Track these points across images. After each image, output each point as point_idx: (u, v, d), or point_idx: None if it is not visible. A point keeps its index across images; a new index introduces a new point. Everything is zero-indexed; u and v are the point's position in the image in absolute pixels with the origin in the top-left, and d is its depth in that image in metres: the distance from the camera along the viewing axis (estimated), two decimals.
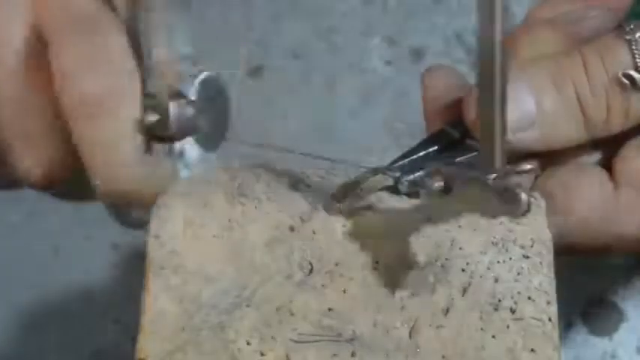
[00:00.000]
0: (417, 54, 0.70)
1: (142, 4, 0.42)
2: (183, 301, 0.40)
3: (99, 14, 0.42)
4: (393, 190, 0.42)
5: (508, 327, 0.40)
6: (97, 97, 0.40)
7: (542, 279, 0.40)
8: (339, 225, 0.41)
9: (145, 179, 0.42)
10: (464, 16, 0.71)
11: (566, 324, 0.62)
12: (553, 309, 0.40)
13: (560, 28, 0.44)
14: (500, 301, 0.40)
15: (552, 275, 0.41)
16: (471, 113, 0.42)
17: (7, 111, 0.42)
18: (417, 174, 0.42)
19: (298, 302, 0.40)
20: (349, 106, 0.69)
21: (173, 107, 0.41)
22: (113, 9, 0.43)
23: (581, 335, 0.63)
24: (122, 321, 0.65)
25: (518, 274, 0.40)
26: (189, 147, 0.43)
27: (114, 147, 0.41)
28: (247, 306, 0.39)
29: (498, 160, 0.36)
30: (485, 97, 0.35)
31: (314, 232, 0.40)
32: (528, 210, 0.36)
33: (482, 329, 0.40)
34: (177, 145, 0.43)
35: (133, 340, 0.39)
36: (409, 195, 0.42)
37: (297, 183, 0.42)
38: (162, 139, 0.42)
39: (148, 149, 0.42)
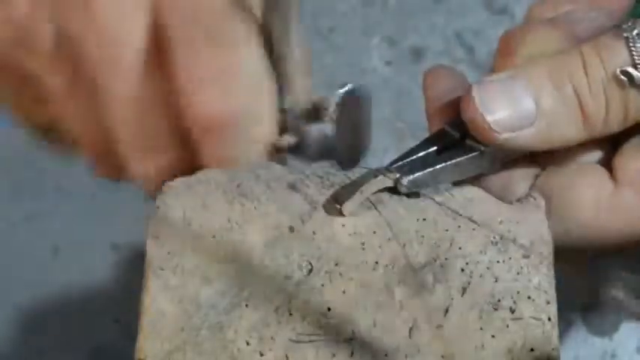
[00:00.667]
0: (417, 54, 0.70)
1: (278, 8, 0.38)
2: (182, 302, 0.40)
3: (232, 19, 0.40)
4: (393, 190, 0.42)
5: (507, 326, 0.40)
6: (226, 118, 0.39)
7: (542, 278, 0.40)
8: (338, 225, 0.41)
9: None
10: (464, 16, 0.71)
11: (566, 324, 0.62)
12: (552, 308, 0.40)
13: (559, 28, 0.44)
14: (499, 300, 0.40)
15: (552, 275, 0.41)
16: (468, 112, 0.42)
17: (125, 112, 0.41)
18: (417, 174, 0.42)
19: (297, 302, 0.40)
20: None
21: (314, 131, 0.39)
22: (247, 10, 0.41)
23: (581, 335, 0.63)
24: (122, 321, 0.65)
25: (518, 273, 0.40)
26: None
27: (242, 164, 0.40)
28: (246, 306, 0.39)
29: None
30: None
31: (313, 233, 0.40)
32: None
33: (481, 329, 0.40)
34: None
35: (133, 339, 0.40)
36: (409, 195, 0.42)
37: (296, 183, 0.42)
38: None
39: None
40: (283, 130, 0.40)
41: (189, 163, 0.42)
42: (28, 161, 0.69)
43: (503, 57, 0.45)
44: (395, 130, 0.68)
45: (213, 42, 0.39)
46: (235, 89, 0.39)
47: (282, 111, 0.40)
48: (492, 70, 0.46)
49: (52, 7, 0.41)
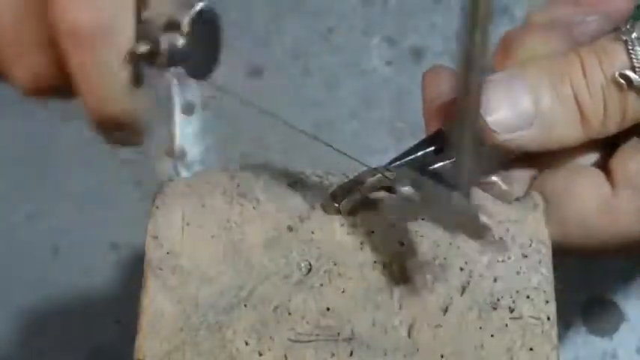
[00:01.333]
0: (417, 54, 0.70)
1: None
2: (181, 302, 0.40)
3: None
4: (391, 190, 0.42)
5: (507, 326, 0.40)
6: (90, 26, 0.40)
7: (541, 278, 0.40)
8: (337, 225, 0.41)
9: (133, 106, 0.42)
10: None
11: (566, 324, 0.62)
12: (552, 308, 0.40)
13: (558, 31, 0.44)
14: (498, 300, 0.40)
15: (551, 274, 0.41)
16: None
17: (3, 17, 0.42)
18: (415, 175, 0.42)
19: (296, 302, 0.40)
20: (349, 106, 0.69)
21: (165, 38, 0.41)
22: None
23: (581, 335, 0.62)
24: (122, 321, 0.65)
25: (517, 273, 0.40)
26: (189, 146, 0.43)
27: (105, 75, 0.41)
28: (245, 306, 0.40)
29: (463, 177, 0.35)
30: (460, 109, 0.35)
31: (312, 232, 0.40)
32: (489, 233, 0.36)
33: (480, 328, 0.40)
34: (177, 146, 0.43)
35: (133, 339, 0.40)
36: (407, 195, 0.42)
37: (295, 183, 0.42)
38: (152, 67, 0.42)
39: (139, 77, 0.43)
40: (139, 39, 0.42)
41: (59, 68, 0.42)
42: (28, 161, 0.69)
43: (502, 58, 0.45)
44: (395, 130, 0.68)
45: None
46: (100, 1, 0.40)
47: (140, 22, 0.42)
48: (491, 70, 0.46)
49: None
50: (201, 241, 0.40)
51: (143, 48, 0.42)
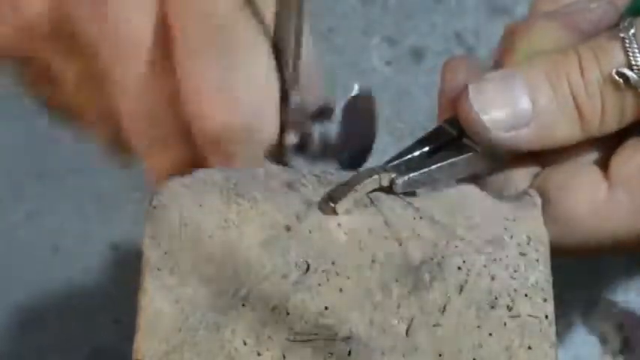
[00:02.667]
0: (417, 54, 0.70)
1: (289, 10, 0.37)
2: (179, 302, 0.40)
3: (240, 24, 0.39)
4: (389, 190, 0.41)
5: (505, 324, 0.40)
6: (229, 130, 0.39)
7: (539, 276, 0.40)
8: (335, 224, 0.41)
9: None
10: (464, 16, 0.71)
11: (566, 324, 0.62)
12: (550, 306, 0.40)
13: (559, 20, 0.44)
14: (496, 298, 0.40)
15: (549, 272, 0.41)
16: (464, 111, 0.42)
17: (132, 106, 0.41)
18: (412, 174, 0.41)
19: (294, 301, 0.40)
20: None
21: (317, 129, 0.39)
22: (257, 12, 0.40)
23: (580, 335, 0.62)
24: (122, 320, 0.65)
25: (515, 271, 0.40)
26: None
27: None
28: (243, 306, 0.39)
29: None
30: None
31: (310, 232, 0.40)
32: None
33: (478, 327, 0.40)
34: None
35: (132, 339, 0.40)
36: (405, 194, 0.42)
37: (293, 182, 0.42)
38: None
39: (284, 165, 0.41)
40: (287, 128, 0.40)
41: (196, 163, 0.42)
42: (29, 161, 0.69)
43: (503, 52, 0.45)
44: (395, 130, 0.68)
45: (218, 49, 0.39)
46: (240, 101, 0.39)
47: (288, 111, 0.39)
48: (493, 66, 0.46)
49: (62, 3, 0.42)
50: (199, 241, 0.40)
51: (292, 141, 0.39)
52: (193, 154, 0.42)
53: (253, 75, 0.39)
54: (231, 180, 0.42)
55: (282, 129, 0.40)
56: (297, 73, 0.38)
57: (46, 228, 0.68)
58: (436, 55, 0.70)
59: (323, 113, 0.39)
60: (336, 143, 0.39)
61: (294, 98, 0.39)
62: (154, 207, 0.41)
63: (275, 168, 0.43)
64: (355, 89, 0.39)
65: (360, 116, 0.40)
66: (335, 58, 0.70)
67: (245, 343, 0.39)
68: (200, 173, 0.42)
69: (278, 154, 0.40)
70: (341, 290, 0.40)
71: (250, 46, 0.39)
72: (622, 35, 0.41)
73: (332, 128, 0.39)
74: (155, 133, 0.41)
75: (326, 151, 0.39)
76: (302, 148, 0.39)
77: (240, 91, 0.39)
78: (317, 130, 0.39)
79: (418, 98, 0.68)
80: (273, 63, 0.39)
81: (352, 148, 0.40)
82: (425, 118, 0.68)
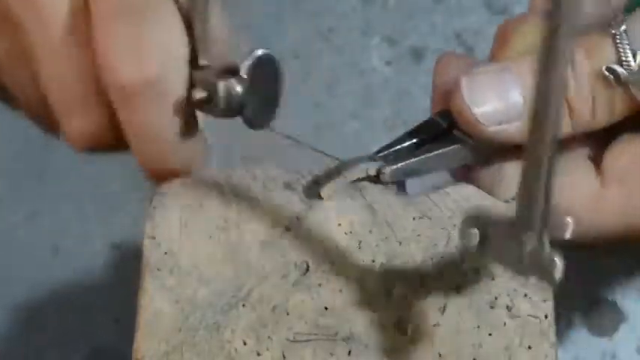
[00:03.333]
0: (417, 54, 0.70)
1: None
2: (179, 302, 0.40)
3: None
4: (375, 179, 0.42)
5: (505, 324, 0.40)
6: (137, 83, 0.40)
7: None
8: (335, 224, 0.41)
9: (186, 157, 0.42)
10: (464, 16, 0.71)
11: (566, 324, 0.62)
12: (550, 306, 0.40)
13: None
14: (496, 298, 0.40)
15: None
16: (456, 104, 0.42)
17: (52, 73, 0.42)
18: (400, 164, 0.42)
19: (294, 301, 0.40)
20: (349, 106, 0.69)
21: (222, 85, 0.40)
22: None
23: (581, 335, 0.62)
24: (122, 320, 0.65)
25: None
26: None
27: (155, 132, 0.41)
28: (243, 306, 0.39)
29: (538, 216, 0.34)
30: (531, 163, 0.33)
31: (310, 232, 0.40)
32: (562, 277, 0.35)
33: (478, 327, 0.40)
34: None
35: (132, 339, 0.40)
36: (393, 184, 0.42)
37: (292, 183, 0.42)
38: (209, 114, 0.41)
39: (194, 125, 0.42)
40: (194, 85, 0.41)
41: (113, 126, 0.42)
42: (28, 161, 0.69)
43: (498, 48, 0.45)
44: (394, 130, 0.68)
45: (128, 9, 0.40)
46: (147, 58, 0.40)
47: (197, 68, 0.41)
48: (490, 61, 0.46)
49: None
50: (199, 241, 0.40)
51: (199, 95, 0.40)
52: (111, 116, 0.42)
53: (161, 32, 0.40)
54: (231, 180, 0.42)
55: (191, 85, 0.41)
56: (206, 35, 0.40)
57: (46, 228, 0.68)
58: (436, 55, 0.70)
59: (229, 71, 0.41)
60: (240, 99, 0.40)
61: (203, 60, 0.41)
62: (154, 207, 0.41)
63: (275, 168, 0.43)
64: (259, 51, 0.41)
65: (265, 76, 0.41)
66: (335, 58, 0.70)
67: (245, 343, 0.39)
68: (200, 173, 0.42)
69: (186, 111, 0.41)
70: (341, 290, 0.40)
71: (159, 6, 0.40)
72: (613, 31, 0.41)
73: (236, 84, 0.40)
74: (73, 97, 0.42)
75: (231, 107, 0.41)
76: (208, 103, 0.40)
77: (148, 46, 0.40)
78: (221, 84, 0.40)
79: (418, 98, 0.68)
80: (180, 23, 0.41)
81: (258, 108, 0.41)
82: (425, 117, 0.68)
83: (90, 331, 0.65)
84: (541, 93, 0.32)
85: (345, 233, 0.40)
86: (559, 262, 0.33)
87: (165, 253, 0.40)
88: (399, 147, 0.43)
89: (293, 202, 0.41)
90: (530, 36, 0.44)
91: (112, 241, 0.67)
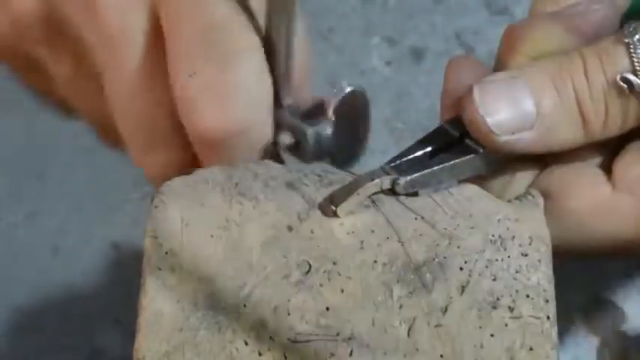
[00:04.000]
0: (417, 54, 0.70)
1: (281, 11, 0.37)
2: (180, 302, 0.39)
3: (234, 28, 0.38)
4: (390, 191, 0.41)
5: (506, 325, 0.40)
6: (221, 134, 0.38)
7: (541, 277, 0.40)
8: (337, 224, 0.41)
9: None
10: (464, 16, 0.71)
11: (566, 324, 0.62)
12: (551, 307, 0.40)
13: (561, 22, 0.44)
14: (498, 299, 0.40)
15: (551, 273, 0.41)
16: (468, 113, 0.42)
17: (125, 106, 0.41)
18: (414, 175, 0.41)
19: (296, 302, 0.39)
20: None
21: (312, 131, 0.38)
22: (250, 15, 0.40)
23: (581, 335, 0.62)
24: (122, 321, 0.65)
25: (517, 272, 0.40)
26: None
27: None
28: (245, 306, 0.39)
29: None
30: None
31: (312, 232, 0.40)
32: None
33: (480, 328, 0.40)
34: None
35: (133, 339, 0.40)
36: (406, 195, 0.42)
37: (294, 182, 0.42)
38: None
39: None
40: (280, 128, 0.40)
41: (191, 164, 0.42)
42: (28, 161, 0.69)
43: (506, 53, 0.45)
44: (395, 130, 0.68)
45: (210, 50, 0.39)
46: (233, 103, 0.39)
47: (281, 110, 0.39)
48: (495, 65, 0.46)
49: (54, 2, 0.42)
50: (201, 241, 0.40)
51: (286, 141, 0.39)
52: (188, 156, 0.42)
53: (246, 77, 0.39)
54: (233, 179, 0.42)
55: (276, 130, 0.39)
56: (289, 74, 0.38)
57: (46, 228, 0.68)
58: (436, 55, 0.70)
59: (316, 113, 0.40)
60: (330, 142, 0.39)
61: (287, 99, 0.39)
62: (156, 206, 0.41)
63: (276, 167, 0.43)
64: (347, 87, 0.39)
65: (354, 114, 0.40)
66: (335, 58, 0.70)
67: (246, 343, 0.39)
68: (201, 172, 0.42)
69: (273, 155, 0.40)
70: (342, 291, 0.40)
71: (243, 47, 0.39)
72: (627, 40, 0.41)
73: (326, 127, 0.39)
74: (148, 135, 0.41)
75: (320, 151, 0.39)
76: (296, 148, 0.39)
77: (232, 93, 0.39)
78: (310, 130, 0.38)
79: (418, 98, 0.68)
80: (265, 64, 0.39)
81: (347, 147, 0.40)
82: (425, 118, 0.68)
83: (90, 332, 0.65)
84: None
85: (347, 233, 0.40)
86: None
87: (167, 252, 0.40)
88: (410, 157, 0.42)
89: (295, 202, 0.41)
90: (539, 42, 0.43)
91: (112, 241, 0.67)
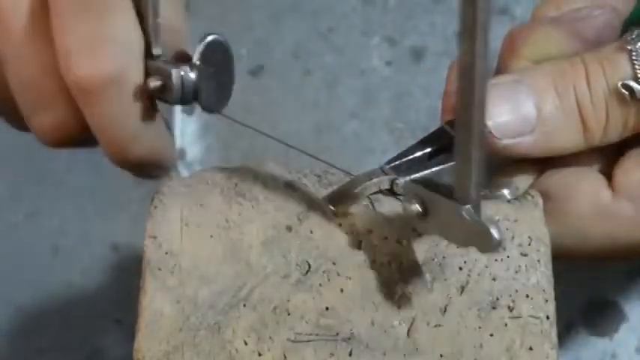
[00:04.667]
0: (417, 54, 0.70)
1: None
2: (180, 302, 0.39)
3: None
4: (389, 192, 0.41)
5: (506, 325, 0.40)
6: (96, 80, 0.40)
7: (540, 277, 0.40)
8: (336, 224, 0.41)
9: (151, 143, 0.43)
10: None
11: (566, 324, 0.62)
12: (551, 307, 0.40)
13: (562, 27, 0.44)
14: (498, 299, 0.40)
15: (550, 273, 0.41)
16: None
17: (16, 70, 0.43)
18: (414, 176, 0.41)
19: (295, 302, 0.40)
20: (349, 106, 0.69)
21: (176, 73, 0.41)
22: None
23: (581, 335, 0.62)
24: (122, 321, 0.65)
25: (516, 272, 0.40)
26: (189, 146, 0.43)
27: (118, 123, 0.42)
28: (244, 306, 0.39)
29: (473, 189, 0.35)
30: (463, 123, 0.34)
31: (311, 232, 0.40)
32: (502, 246, 0.36)
33: (480, 327, 0.40)
34: (177, 146, 0.43)
35: (133, 339, 0.40)
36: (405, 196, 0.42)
37: (294, 182, 0.42)
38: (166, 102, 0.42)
39: (152, 112, 0.43)
40: (149, 74, 0.42)
41: (80, 120, 0.43)
42: (28, 161, 0.69)
43: (507, 57, 0.45)
44: (395, 130, 0.68)
45: (81, 7, 0.41)
46: (103, 54, 0.40)
47: (151, 57, 0.42)
48: (496, 69, 0.46)
49: None
50: (200, 241, 0.40)
51: (154, 83, 0.42)
52: (75, 116, 0.43)
53: (118, 28, 0.41)
54: (233, 179, 0.42)
55: (146, 76, 0.42)
56: (157, 23, 0.42)
57: (46, 228, 0.68)
58: (436, 55, 0.70)
59: (182, 59, 0.42)
60: (194, 85, 0.42)
61: (157, 49, 0.42)
62: (155, 207, 0.41)
63: (276, 168, 0.43)
64: (209, 36, 0.42)
65: (217, 60, 0.42)
66: (335, 58, 0.70)
67: (246, 344, 0.39)
68: (201, 173, 0.42)
69: (144, 97, 0.42)
70: (342, 291, 0.40)
71: (115, 3, 0.41)
72: (629, 47, 0.41)
73: (190, 72, 0.42)
74: (38, 95, 0.43)
75: (186, 94, 0.42)
76: (164, 91, 0.42)
77: (105, 43, 0.41)
78: (175, 72, 0.41)
79: (418, 98, 0.68)
80: (136, 19, 0.42)
81: (212, 91, 0.42)
82: (425, 118, 0.68)
83: (90, 332, 0.65)
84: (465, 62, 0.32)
85: (347, 233, 0.40)
86: (494, 231, 0.34)
87: (166, 252, 0.40)
88: (410, 157, 0.42)
89: (294, 202, 0.41)
90: (541, 46, 0.43)
91: (112, 241, 0.67)
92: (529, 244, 0.41)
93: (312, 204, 0.41)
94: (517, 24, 0.48)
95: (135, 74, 0.41)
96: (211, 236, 0.40)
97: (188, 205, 0.41)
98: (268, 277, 0.40)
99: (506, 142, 0.41)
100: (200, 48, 0.42)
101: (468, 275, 0.40)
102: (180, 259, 0.40)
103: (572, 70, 0.42)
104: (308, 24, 0.70)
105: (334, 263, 0.40)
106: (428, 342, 0.39)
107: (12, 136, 0.68)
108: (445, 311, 0.40)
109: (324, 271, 0.40)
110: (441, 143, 0.43)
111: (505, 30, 0.47)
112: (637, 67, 0.41)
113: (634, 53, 0.41)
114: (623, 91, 0.41)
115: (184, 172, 0.67)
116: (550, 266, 0.41)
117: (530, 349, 0.39)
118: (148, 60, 0.42)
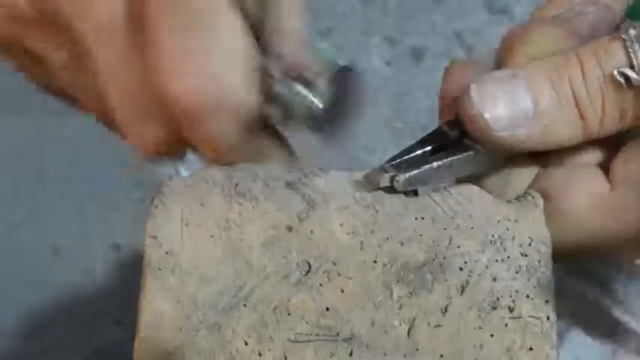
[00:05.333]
0: (417, 54, 0.70)
1: None
2: (180, 302, 0.39)
3: None
4: (389, 189, 0.42)
5: (506, 325, 0.40)
6: (196, 104, 0.38)
7: (541, 277, 0.40)
8: (336, 224, 0.41)
9: (255, 156, 0.42)
10: (464, 16, 0.71)
11: (567, 324, 0.62)
12: (551, 307, 0.40)
13: (560, 25, 0.44)
14: (498, 299, 0.40)
15: (550, 273, 0.41)
16: (466, 109, 0.42)
17: (112, 83, 0.41)
18: (413, 172, 0.42)
19: (296, 302, 0.40)
20: None
21: (300, 103, 0.38)
22: None
23: (581, 335, 0.62)
24: (122, 321, 0.65)
25: (517, 272, 0.40)
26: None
27: (220, 142, 0.40)
28: (244, 306, 0.39)
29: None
30: None
31: (311, 232, 0.40)
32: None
33: (480, 328, 0.40)
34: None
35: (133, 339, 0.40)
36: (406, 194, 0.42)
37: (294, 182, 0.42)
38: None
39: (256, 133, 0.40)
40: (268, 97, 0.39)
41: (180, 138, 0.42)
42: (28, 161, 0.69)
43: (506, 55, 0.45)
44: (395, 129, 0.68)
45: (186, 16, 0.39)
46: (210, 67, 0.38)
47: (268, 76, 0.39)
48: (495, 66, 0.46)
49: None
50: (201, 241, 0.40)
51: (274, 114, 0.38)
52: (176, 128, 0.42)
53: (224, 42, 0.38)
54: (233, 179, 0.42)
55: (265, 98, 0.39)
56: (274, 40, 0.38)
57: (46, 228, 0.68)
58: (436, 55, 0.70)
59: (304, 82, 0.39)
60: (317, 117, 0.39)
61: (273, 68, 0.38)
62: (155, 206, 0.41)
63: (276, 167, 0.43)
64: (340, 63, 0.38)
65: (346, 91, 0.39)
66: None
67: (246, 344, 0.39)
68: (201, 173, 0.42)
69: (260, 126, 0.40)
70: (342, 291, 0.40)
71: (219, 13, 0.39)
72: (623, 36, 0.41)
73: (316, 104, 0.39)
74: (135, 109, 0.42)
75: (310, 126, 0.39)
76: (284, 119, 0.38)
77: (209, 58, 0.38)
78: (301, 106, 0.38)
79: (418, 98, 0.68)
80: (245, 28, 0.38)
81: (334, 124, 0.40)
82: (425, 118, 0.68)
83: (91, 332, 0.65)
84: None
85: (347, 233, 0.40)
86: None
87: (167, 252, 0.40)
88: (410, 156, 0.43)
89: (295, 202, 0.41)
90: (538, 44, 0.44)
91: (112, 241, 0.67)
92: (529, 245, 0.41)
93: (312, 204, 0.41)
94: (517, 24, 0.48)
95: (246, 95, 0.39)
96: (212, 236, 0.40)
97: (188, 205, 0.41)
98: (269, 277, 0.40)
99: (503, 134, 0.42)
100: (329, 75, 0.38)
101: (469, 275, 0.40)
102: (181, 259, 0.40)
103: (567, 62, 0.42)
104: (308, 24, 0.71)
105: (334, 263, 0.40)
106: (428, 342, 0.39)
107: (12, 136, 0.68)
108: (445, 311, 0.40)
109: (324, 271, 0.40)
110: (439, 142, 0.43)
111: (505, 30, 0.47)
112: (631, 54, 0.41)
113: (628, 42, 0.41)
114: (619, 78, 0.41)
115: (184, 173, 0.67)
116: (550, 266, 0.41)
117: (531, 349, 0.39)
118: (263, 81, 0.38)
